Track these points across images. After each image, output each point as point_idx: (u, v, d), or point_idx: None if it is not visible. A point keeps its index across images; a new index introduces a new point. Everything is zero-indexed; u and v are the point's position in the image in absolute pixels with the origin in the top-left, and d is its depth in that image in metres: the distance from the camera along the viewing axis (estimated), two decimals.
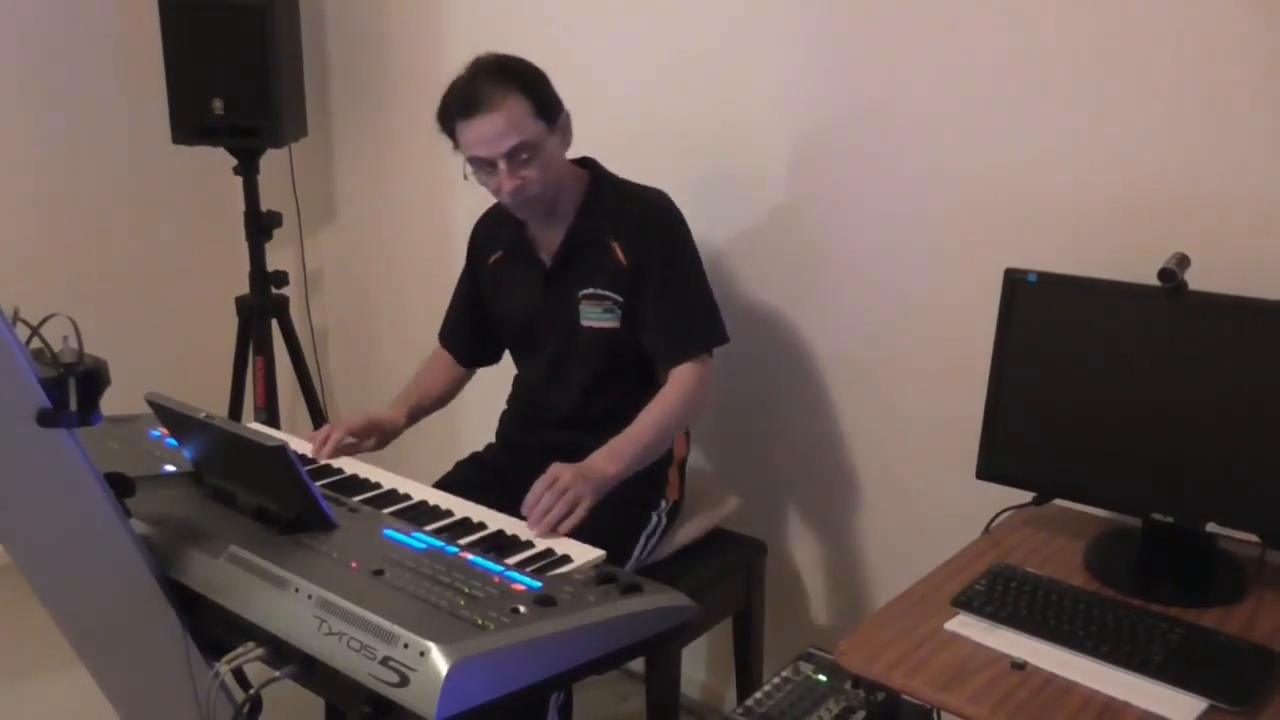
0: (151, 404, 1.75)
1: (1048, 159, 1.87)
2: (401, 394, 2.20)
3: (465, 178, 1.92)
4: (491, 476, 2.06)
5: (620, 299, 1.98)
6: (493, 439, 2.22)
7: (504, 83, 1.85)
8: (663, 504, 2.02)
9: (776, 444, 2.34)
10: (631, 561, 1.92)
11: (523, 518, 1.72)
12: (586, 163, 2.06)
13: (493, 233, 2.14)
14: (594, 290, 1.99)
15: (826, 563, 2.34)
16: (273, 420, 3.00)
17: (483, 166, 1.89)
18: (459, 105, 1.87)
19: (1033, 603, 1.50)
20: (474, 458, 2.18)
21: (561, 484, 1.72)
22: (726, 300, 2.13)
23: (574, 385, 2.04)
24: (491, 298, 2.16)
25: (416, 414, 2.18)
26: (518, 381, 2.20)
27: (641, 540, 1.96)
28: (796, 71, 2.15)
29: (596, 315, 1.99)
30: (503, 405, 2.23)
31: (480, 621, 1.32)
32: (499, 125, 1.84)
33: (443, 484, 2.04)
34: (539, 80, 1.90)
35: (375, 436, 2.06)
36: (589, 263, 1.99)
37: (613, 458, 1.83)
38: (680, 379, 1.95)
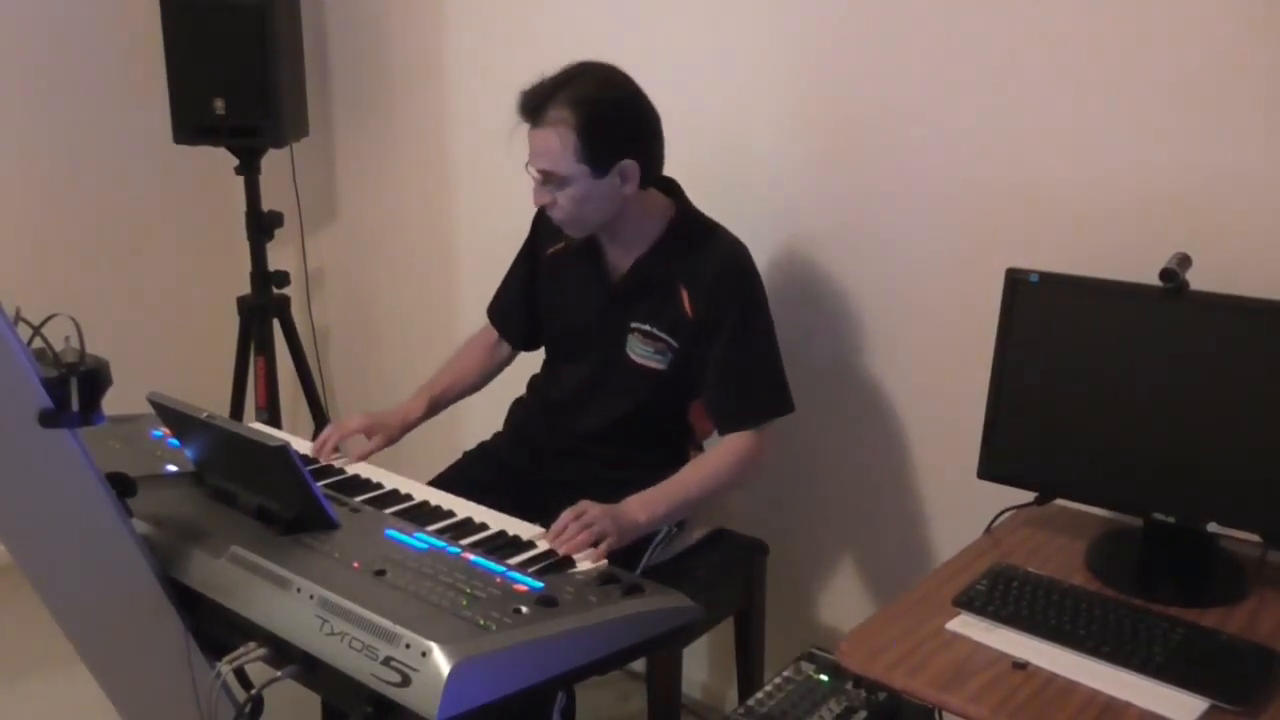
0: (153, 404, 1.75)
1: (1049, 159, 1.87)
2: (429, 381, 2.16)
3: (525, 167, 1.87)
4: (499, 473, 2.06)
5: (676, 345, 1.93)
6: (498, 428, 2.19)
7: (569, 110, 1.78)
8: None
9: (778, 444, 2.33)
10: (638, 569, 1.91)
11: (528, 518, 1.73)
12: (671, 188, 1.98)
13: None
14: (650, 329, 1.94)
15: (828, 563, 2.34)
16: (274, 420, 3.00)
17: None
18: (525, 104, 1.83)
19: (1034, 602, 1.50)
20: (481, 448, 2.15)
21: (588, 518, 1.69)
22: None
23: (607, 411, 2.00)
24: (545, 289, 2.12)
25: (442, 402, 2.14)
26: (548, 381, 2.14)
27: (650, 550, 1.95)
28: (797, 73, 2.15)
29: (647, 354, 1.95)
30: (507, 398, 2.20)
31: (482, 622, 1.32)
32: (538, 144, 1.82)
33: (449, 475, 2.04)
34: (607, 124, 1.80)
35: (380, 434, 2.04)
36: (653, 300, 1.93)
37: (646, 506, 1.80)
38: (736, 445, 1.90)
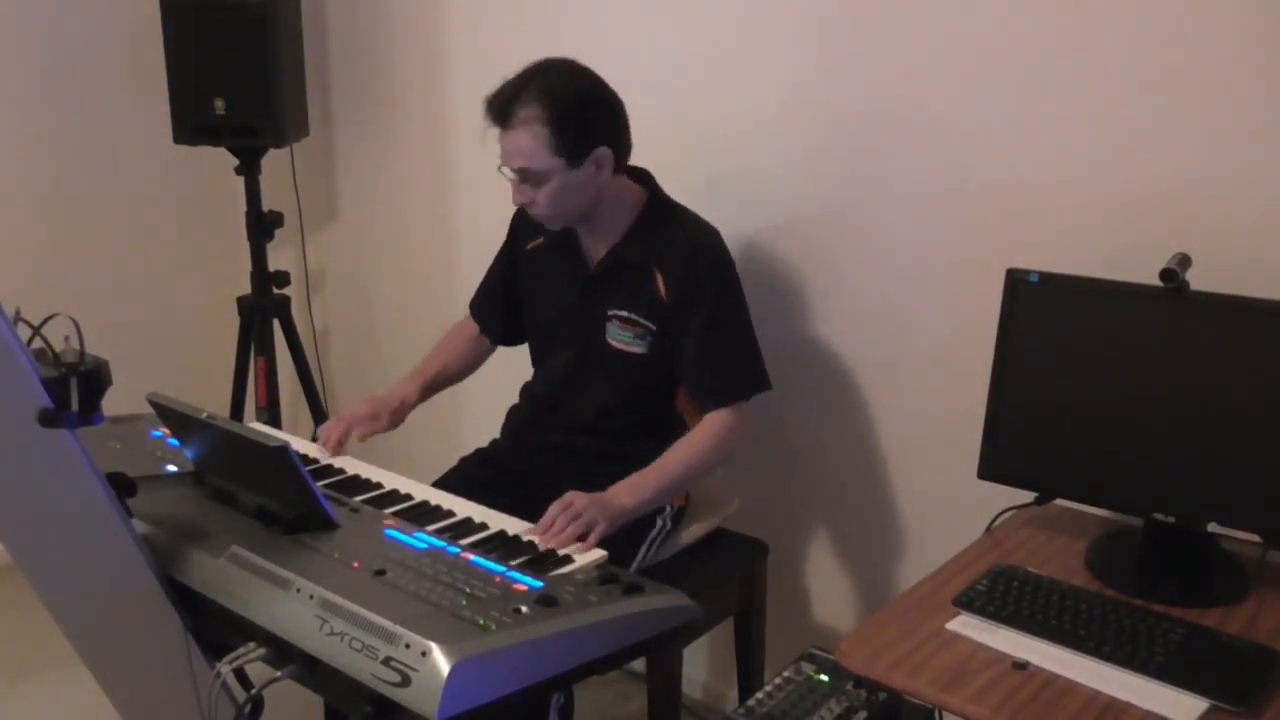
0: (153, 404, 1.75)
1: (1050, 159, 1.87)
2: (417, 368, 2.19)
3: (499, 169, 1.90)
4: (496, 474, 2.06)
5: (653, 328, 1.95)
6: (497, 435, 2.20)
7: (535, 106, 1.80)
8: (668, 509, 2.01)
9: (778, 444, 2.34)
10: (635, 565, 1.92)
11: (525, 518, 1.72)
12: (643, 177, 2.01)
13: None
14: (627, 314, 1.96)
15: (828, 563, 2.34)
16: (274, 420, 3.00)
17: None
18: (493, 108, 1.85)
19: (1034, 603, 1.50)
20: (479, 454, 2.16)
21: (576, 508, 1.69)
22: None
23: (594, 400, 2.02)
24: (526, 284, 2.14)
25: (432, 388, 2.17)
26: (536, 379, 2.17)
27: (645, 544, 1.96)
28: (799, 71, 2.15)
29: (626, 339, 1.96)
30: (506, 403, 2.21)
31: (482, 622, 1.32)
32: (510, 145, 1.84)
33: (447, 480, 2.04)
34: (574, 112, 1.82)
35: (385, 417, 2.06)
36: (629, 285, 1.95)
37: (632, 491, 1.81)
38: (715, 424, 1.91)
